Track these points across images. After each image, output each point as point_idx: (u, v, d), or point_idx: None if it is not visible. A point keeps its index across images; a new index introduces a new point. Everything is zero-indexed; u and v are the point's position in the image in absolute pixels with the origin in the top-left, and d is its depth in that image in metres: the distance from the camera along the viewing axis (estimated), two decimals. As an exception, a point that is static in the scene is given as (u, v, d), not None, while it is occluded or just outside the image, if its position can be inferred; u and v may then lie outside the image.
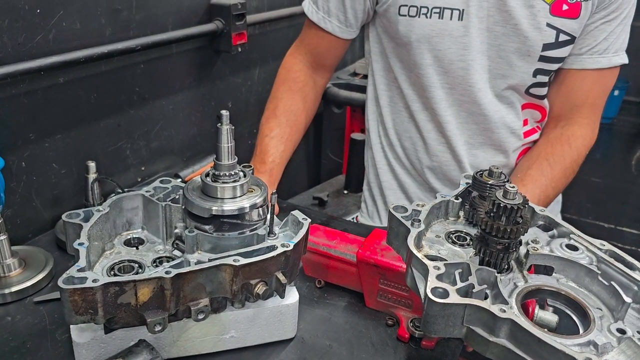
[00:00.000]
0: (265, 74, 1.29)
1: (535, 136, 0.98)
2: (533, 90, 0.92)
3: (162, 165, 1.09)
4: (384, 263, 0.65)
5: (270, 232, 0.66)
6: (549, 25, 0.85)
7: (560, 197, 1.14)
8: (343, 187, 1.48)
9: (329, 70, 1.05)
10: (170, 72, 1.05)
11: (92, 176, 0.82)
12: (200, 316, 0.59)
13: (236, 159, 0.64)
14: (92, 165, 0.82)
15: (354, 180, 1.46)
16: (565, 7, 0.85)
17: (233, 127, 0.63)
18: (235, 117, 1.25)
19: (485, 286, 0.49)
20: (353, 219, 1.15)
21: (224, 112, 0.63)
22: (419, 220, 0.56)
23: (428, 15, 0.87)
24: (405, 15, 0.88)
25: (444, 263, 0.51)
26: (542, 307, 0.53)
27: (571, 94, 0.94)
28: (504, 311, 0.46)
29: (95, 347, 0.59)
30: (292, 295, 0.67)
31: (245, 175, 0.66)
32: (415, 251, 0.52)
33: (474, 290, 0.49)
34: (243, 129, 1.20)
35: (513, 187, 0.51)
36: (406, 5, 0.88)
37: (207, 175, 0.65)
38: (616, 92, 4.49)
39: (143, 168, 1.04)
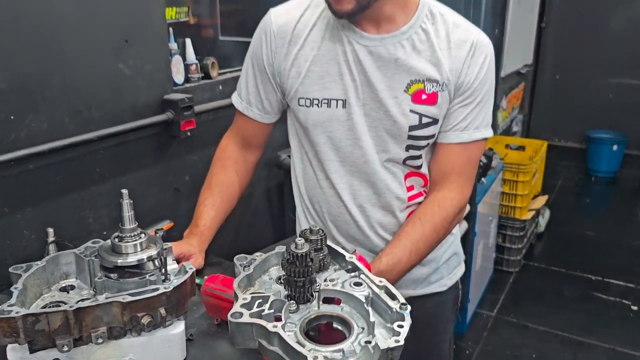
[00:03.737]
0: (219, 151, 1.53)
1: (420, 199, 1.17)
2: (409, 162, 1.12)
3: (124, 229, 1.33)
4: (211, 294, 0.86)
5: (165, 279, 0.88)
6: (412, 111, 1.06)
7: (460, 252, 1.33)
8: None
9: (258, 149, 1.29)
10: (129, 155, 1.31)
11: (50, 239, 1.07)
12: (100, 341, 0.80)
13: (136, 224, 0.87)
14: (50, 231, 1.07)
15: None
16: (424, 96, 1.06)
17: (132, 201, 0.87)
18: (194, 188, 1.50)
19: (272, 311, 0.70)
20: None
21: (124, 191, 0.86)
22: (249, 266, 0.77)
23: (319, 105, 1.10)
24: (303, 106, 1.11)
25: (250, 294, 0.71)
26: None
27: (441, 163, 1.14)
28: (275, 327, 0.66)
29: (22, 364, 0.80)
30: (178, 327, 0.87)
31: (144, 235, 0.88)
32: (235, 287, 0.73)
33: (263, 314, 0.69)
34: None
35: (300, 239, 0.72)
36: (303, 98, 1.11)
37: (115, 237, 0.88)
38: (615, 147, 4.60)
39: (105, 233, 1.29)
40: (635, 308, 2.83)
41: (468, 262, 2.43)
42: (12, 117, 1.05)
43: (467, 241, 2.37)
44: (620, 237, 3.59)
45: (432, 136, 1.10)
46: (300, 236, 0.80)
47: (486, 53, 1.08)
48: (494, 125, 3.99)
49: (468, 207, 2.28)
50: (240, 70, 1.24)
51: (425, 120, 1.07)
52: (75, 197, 1.21)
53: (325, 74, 1.07)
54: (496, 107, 4.00)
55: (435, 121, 1.08)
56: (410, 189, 1.15)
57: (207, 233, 1.17)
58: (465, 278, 2.46)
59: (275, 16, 1.11)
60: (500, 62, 3.91)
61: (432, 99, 1.06)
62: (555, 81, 5.10)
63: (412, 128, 1.07)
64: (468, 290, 2.51)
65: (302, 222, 1.28)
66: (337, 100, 1.09)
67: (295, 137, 1.21)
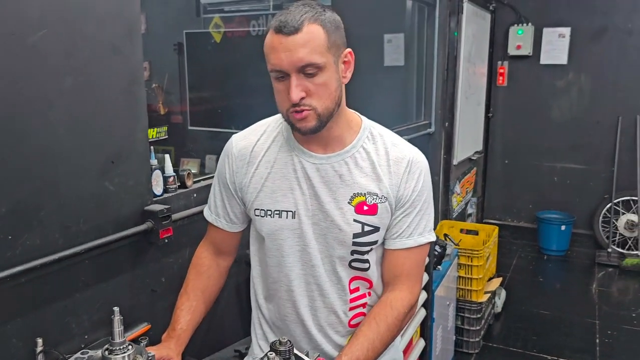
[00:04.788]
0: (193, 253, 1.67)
1: (364, 299, 1.30)
2: (354, 264, 1.26)
3: (103, 332, 1.42)
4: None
5: (150, 386, 0.98)
6: (355, 220, 1.22)
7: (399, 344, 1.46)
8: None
9: (230, 254, 1.43)
10: (110, 263, 1.43)
11: (39, 349, 1.16)
12: None
13: (125, 338, 0.99)
14: (39, 340, 1.16)
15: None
16: (365, 207, 1.22)
17: (122, 317, 0.99)
18: (170, 287, 1.61)
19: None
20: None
21: (115, 308, 0.99)
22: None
23: (272, 215, 1.25)
24: (258, 216, 1.27)
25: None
26: None
27: (391, 267, 1.29)
28: None
29: None
30: None
31: (132, 347, 1.00)
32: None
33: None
34: (174, 297, 1.53)
35: (272, 354, 0.86)
36: (258, 209, 1.27)
37: (105, 349, 0.99)
38: (563, 227, 4.90)
39: (86, 336, 1.37)
40: (587, 386, 2.98)
41: (428, 347, 2.55)
42: (9, 237, 1.17)
43: (425, 328, 2.50)
44: (574, 315, 3.78)
45: (375, 242, 1.25)
46: (271, 348, 0.93)
47: (421, 168, 1.26)
48: (450, 210, 4.24)
49: (425, 295, 2.43)
50: (212, 177, 1.42)
51: (367, 228, 1.23)
52: (60, 305, 1.31)
53: (277, 189, 1.24)
54: (450, 192, 4.27)
55: (376, 229, 1.24)
56: (354, 291, 1.28)
57: (184, 336, 1.29)
58: (427, 363, 2.57)
59: (235, 141, 1.30)
60: (452, 151, 4.22)
61: (373, 210, 1.23)
62: (505, 165, 5.47)
63: (356, 235, 1.23)
64: (430, 375, 2.61)
65: (255, 324, 1.40)
66: (287, 212, 1.24)
67: (255, 243, 1.36)
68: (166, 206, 1.51)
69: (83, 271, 1.36)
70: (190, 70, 3.38)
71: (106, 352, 0.97)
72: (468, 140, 4.63)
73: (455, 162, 4.27)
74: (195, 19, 3.56)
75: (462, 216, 4.70)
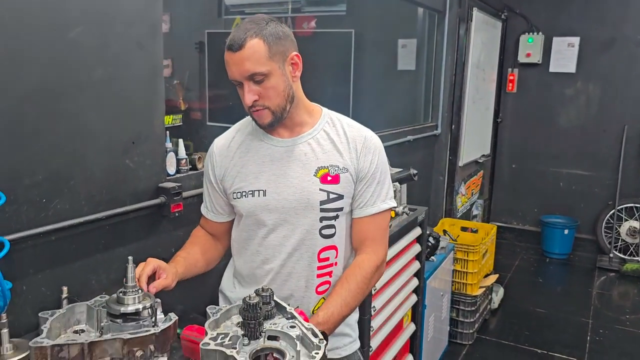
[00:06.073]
0: (200, 228, 1.87)
1: (332, 268, 1.47)
2: (324, 231, 1.43)
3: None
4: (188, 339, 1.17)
5: (155, 324, 1.19)
6: (321, 189, 1.41)
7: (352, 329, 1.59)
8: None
9: (223, 240, 1.61)
10: (128, 230, 1.64)
11: (64, 295, 1.38)
12: (105, 368, 1.10)
13: (135, 283, 1.20)
14: (64, 288, 1.38)
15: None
16: (329, 178, 1.42)
17: (135, 265, 1.20)
18: (178, 258, 1.81)
19: (230, 342, 1.02)
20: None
21: (129, 257, 1.20)
22: (216, 313, 1.10)
23: (246, 195, 1.44)
24: (236, 198, 1.46)
25: (216, 332, 1.04)
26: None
27: (357, 233, 1.48)
28: (231, 352, 0.98)
29: (47, 383, 1.09)
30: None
31: (141, 291, 1.20)
32: (206, 326, 1.05)
33: (223, 344, 1.01)
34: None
35: (253, 294, 1.05)
36: (235, 192, 1.46)
37: (120, 291, 1.20)
38: (566, 231, 5.01)
39: (104, 292, 1.59)
40: (572, 379, 3.12)
41: (419, 332, 2.72)
42: (44, 200, 1.39)
43: (417, 313, 2.67)
44: (568, 314, 3.91)
45: (341, 209, 1.43)
46: (255, 293, 1.13)
47: (375, 144, 1.47)
48: (454, 209, 4.39)
49: (417, 282, 2.60)
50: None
51: (332, 196, 1.42)
52: (82, 263, 1.53)
53: (249, 173, 1.45)
54: (455, 193, 4.42)
55: (340, 196, 1.43)
56: (325, 259, 1.45)
57: (180, 268, 1.44)
58: (418, 346, 2.75)
59: (216, 142, 1.54)
60: (458, 153, 4.38)
61: (335, 180, 1.42)
62: (512, 170, 5.61)
63: (322, 202, 1.42)
64: (420, 358, 2.78)
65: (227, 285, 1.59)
66: (258, 191, 1.44)
67: (236, 225, 1.54)
68: (178, 184, 1.73)
69: (103, 235, 1.57)
70: (210, 68, 3.60)
71: (120, 294, 1.18)
72: (475, 143, 4.78)
73: (460, 163, 4.43)
74: (217, 20, 3.79)
75: (467, 217, 4.85)
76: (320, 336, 1.05)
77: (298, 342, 1.03)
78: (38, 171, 1.37)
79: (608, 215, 5.07)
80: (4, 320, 1.26)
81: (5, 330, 1.27)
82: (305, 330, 1.06)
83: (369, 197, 1.45)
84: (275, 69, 1.32)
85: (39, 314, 1.17)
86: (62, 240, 1.45)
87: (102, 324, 1.19)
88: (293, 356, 1.02)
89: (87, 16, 1.44)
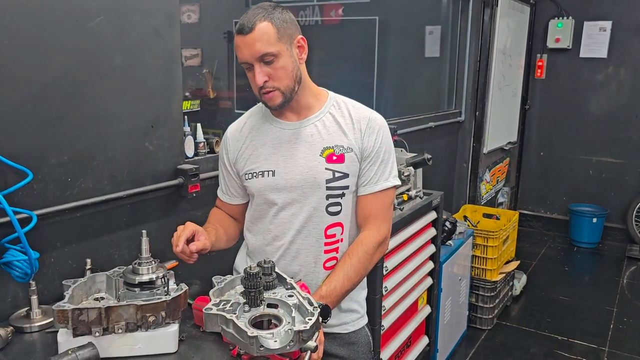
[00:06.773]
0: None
1: (338, 244, 1.52)
2: (330, 209, 1.50)
3: (140, 266, 1.74)
4: (199, 309, 1.25)
5: (167, 293, 1.28)
6: (326, 168, 1.48)
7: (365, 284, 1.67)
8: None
9: (241, 222, 1.68)
10: (147, 209, 1.75)
11: (87, 267, 1.49)
12: (120, 331, 1.20)
13: (150, 254, 1.29)
14: (88, 261, 1.49)
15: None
16: (334, 157, 1.48)
17: (149, 238, 1.29)
18: (196, 237, 1.90)
19: (232, 308, 1.10)
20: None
21: (143, 231, 1.29)
22: (221, 282, 1.18)
23: (257, 176, 1.52)
24: (248, 179, 1.54)
25: (219, 299, 1.12)
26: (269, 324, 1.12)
27: (362, 210, 1.54)
28: (231, 316, 1.06)
29: (67, 344, 1.20)
30: (174, 327, 1.26)
31: (155, 262, 1.30)
32: (210, 294, 1.14)
33: (225, 309, 1.09)
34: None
35: (254, 264, 1.13)
36: (247, 173, 1.54)
37: (135, 262, 1.29)
38: (595, 220, 4.94)
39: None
40: (592, 366, 3.12)
41: (434, 315, 2.77)
42: (69, 179, 1.50)
43: (432, 296, 2.72)
44: (594, 302, 3.88)
45: (346, 187, 1.49)
46: (256, 264, 1.21)
47: (379, 124, 1.52)
48: (478, 196, 4.39)
49: (432, 265, 2.64)
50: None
51: (337, 174, 1.48)
52: (105, 239, 1.64)
53: (260, 155, 1.52)
54: (479, 180, 4.41)
55: (345, 175, 1.49)
56: (332, 236, 1.52)
57: (212, 237, 1.50)
58: (433, 328, 2.80)
59: (229, 128, 1.61)
60: (482, 140, 4.37)
61: (340, 159, 1.49)
62: (540, 157, 5.53)
63: (328, 181, 1.48)
64: (436, 340, 2.83)
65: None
66: (268, 172, 1.51)
67: (251, 205, 1.61)
68: (195, 166, 1.82)
69: (124, 213, 1.68)
70: (238, 57, 3.68)
71: (136, 265, 1.28)
72: (500, 130, 4.74)
73: (485, 150, 4.41)
74: (245, 9, 3.87)
75: (492, 204, 4.84)
76: (315, 304, 1.12)
77: (294, 309, 1.10)
78: (63, 152, 1.48)
79: (639, 204, 4.96)
80: (34, 288, 1.39)
81: (34, 297, 1.39)
82: (302, 300, 1.14)
83: (372, 175, 1.51)
84: (283, 50, 1.38)
85: (63, 282, 1.27)
86: (86, 217, 1.57)
87: (119, 292, 1.29)
88: (289, 322, 1.10)
89: (107, 6, 1.53)
